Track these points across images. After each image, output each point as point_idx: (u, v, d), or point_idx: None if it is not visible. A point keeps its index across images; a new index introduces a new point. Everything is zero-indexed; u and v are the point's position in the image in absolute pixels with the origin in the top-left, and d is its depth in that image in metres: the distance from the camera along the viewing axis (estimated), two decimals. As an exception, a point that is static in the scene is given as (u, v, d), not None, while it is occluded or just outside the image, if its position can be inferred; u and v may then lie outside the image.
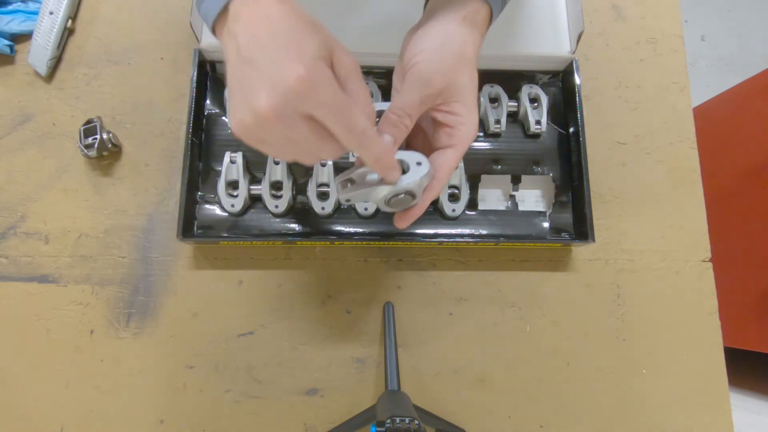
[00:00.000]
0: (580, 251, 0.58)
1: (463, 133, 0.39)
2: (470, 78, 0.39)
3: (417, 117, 0.38)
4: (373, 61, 0.58)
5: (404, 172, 0.38)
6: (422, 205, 0.40)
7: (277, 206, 0.54)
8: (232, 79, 0.32)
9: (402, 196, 0.38)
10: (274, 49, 0.30)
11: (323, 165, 0.55)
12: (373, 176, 0.38)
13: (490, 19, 0.41)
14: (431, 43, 0.38)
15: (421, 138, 0.43)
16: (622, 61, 0.64)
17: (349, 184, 0.39)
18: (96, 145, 0.55)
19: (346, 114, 0.31)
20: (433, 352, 0.55)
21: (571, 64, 0.58)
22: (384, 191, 0.38)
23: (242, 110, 0.31)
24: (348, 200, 0.40)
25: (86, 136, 0.55)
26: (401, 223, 0.41)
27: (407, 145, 0.41)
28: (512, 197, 0.58)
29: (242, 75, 0.31)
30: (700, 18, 1.79)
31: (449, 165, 0.39)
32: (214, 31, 0.36)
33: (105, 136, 0.55)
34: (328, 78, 0.30)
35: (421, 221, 0.56)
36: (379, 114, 0.40)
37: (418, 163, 0.38)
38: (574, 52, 0.58)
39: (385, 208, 0.40)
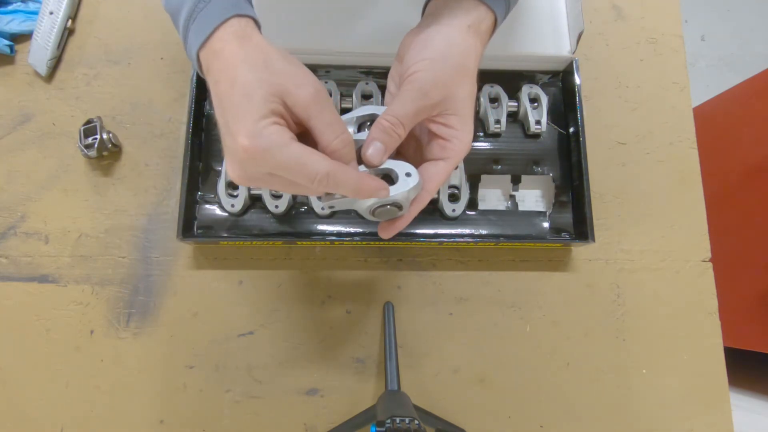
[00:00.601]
0: (580, 251, 0.58)
1: (456, 147, 0.38)
2: (469, 92, 0.38)
3: (411, 127, 0.37)
4: (374, 61, 0.58)
5: (392, 182, 0.37)
6: (408, 217, 0.39)
7: (277, 206, 0.54)
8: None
9: (388, 207, 0.37)
10: (228, 115, 0.32)
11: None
12: None
13: (494, 27, 0.41)
14: (433, 52, 0.37)
15: (414, 146, 0.42)
16: (622, 61, 0.64)
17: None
18: (96, 145, 0.55)
19: (301, 169, 0.31)
20: (433, 352, 0.55)
21: (571, 64, 0.58)
22: (369, 201, 0.37)
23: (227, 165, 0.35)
24: (331, 207, 0.38)
25: (86, 136, 0.55)
26: (385, 233, 0.40)
27: (398, 152, 0.40)
28: (512, 197, 0.58)
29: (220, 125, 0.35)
30: (700, 18, 1.79)
31: (439, 178, 0.39)
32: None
33: (105, 136, 0.55)
34: (274, 139, 0.31)
35: (421, 221, 0.56)
36: (374, 118, 0.39)
37: (407, 174, 0.37)
38: (574, 52, 0.58)
39: (369, 218, 0.38)
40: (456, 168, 0.41)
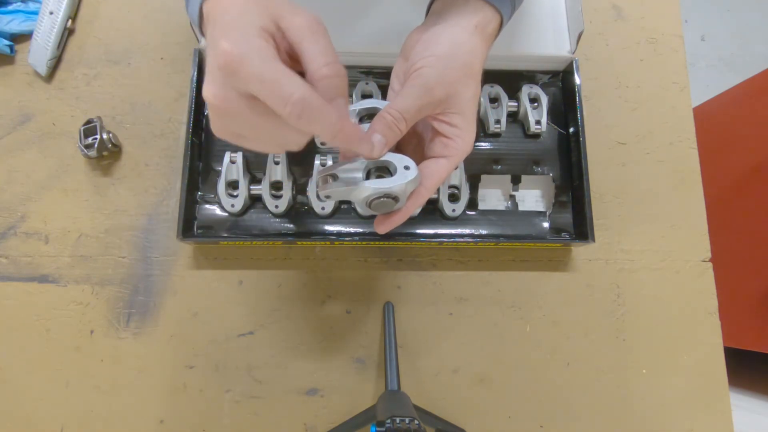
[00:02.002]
0: (580, 251, 0.58)
1: (458, 146, 0.38)
2: (474, 92, 0.38)
3: (413, 123, 0.37)
4: (374, 61, 0.58)
5: (390, 174, 0.37)
6: (405, 212, 0.39)
7: (277, 206, 0.54)
8: None
9: (384, 198, 0.37)
10: (217, 31, 0.30)
11: (323, 165, 0.55)
12: (357, 174, 0.36)
13: (499, 29, 0.40)
14: (439, 49, 0.37)
15: (415, 143, 0.42)
16: (622, 61, 0.64)
17: (330, 180, 0.37)
18: (96, 145, 0.55)
19: (276, 83, 0.28)
20: (433, 352, 0.55)
21: (571, 64, 0.58)
22: (366, 191, 0.36)
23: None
24: (327, 196, 0.38)
25: (86, 136, 0.55)
26: (382, 228, 0.39)
27: (398, 148, 0.40)
28: (512, 197, 0.58)
29: None
30: (700, 18, 1.79)
31: (439, 175, 0.38)
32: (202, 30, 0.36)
33: (105, 136, 0.55)
34: (255, 48, 0.29)
35: (421, 221, 0.56)
36: (375, 111, 0.39)
37: (406, 167, 0.37)
38: (574, 52, 0.58)
39: (365, 211, 0.38)
40: (456, 168, 0.41)
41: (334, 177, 0.37)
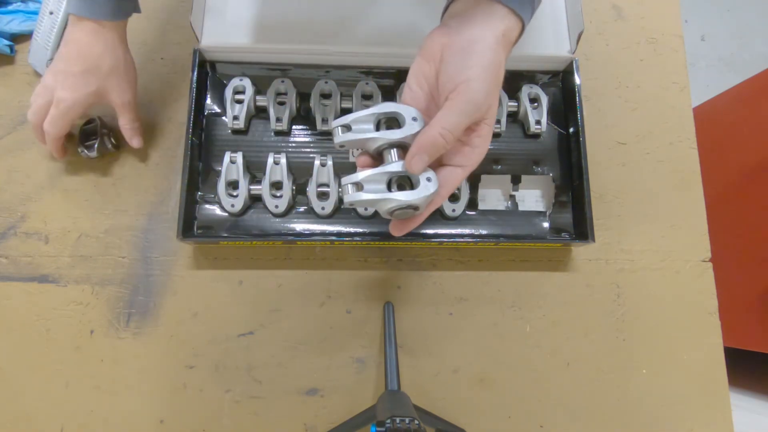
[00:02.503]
0: (580, 251, 0.58)
1: (477, 156, 0.39)
2: (496, 100, 0.39)
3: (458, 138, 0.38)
4: (374, 61, 0.58)
5: (413, 186, 0.39)
6: (421, 217, 0.41)
7: (277, 206, 0.54)
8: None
9: (407, 209, 0.39)
10: (59, 78, 0.51)
11: (323, 165, 0.55)
12: (381, 186, 0.39)
13: (520, 35, 0.40)
14: (481, 61, 0.37)
15: None
16: (622, 61, 0.64)
17: (353, 188, 0.39)
18: (96, 146, 0.55)
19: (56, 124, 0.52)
20: (433, 352, 0.55)
21: (571, 64, 0.58)
22: (392, 204, 0.38)
23: None
24: (351, 204, 0.40)
25: (86, 137, 0.55)
26: (398, 232, 0.41)
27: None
28: (512, 197, 0.58)
29: None
30: (700, 18, 1.79)
31: (455, 184, 0.40)
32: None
33: (105, 136, 0.55)
34: (73, 109, 0.52)
35: (421, 221, 0.56)
36: (396, 115, 0.39)
37: (428, 179, 0.38)
38: (574, 52, 0.58)
39: (386, 216, 0.40)
40: None
41: (359, 186, 0.39)
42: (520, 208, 0.57)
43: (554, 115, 0.60)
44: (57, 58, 0.51)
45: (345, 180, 0.40)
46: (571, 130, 0.58)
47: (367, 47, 0.57)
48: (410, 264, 0.57)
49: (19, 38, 0.61)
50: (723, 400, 0.56)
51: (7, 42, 0.59)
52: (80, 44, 0.49)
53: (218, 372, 0.53)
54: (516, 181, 0.58)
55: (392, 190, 0.39)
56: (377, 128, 0.40)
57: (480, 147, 0.39)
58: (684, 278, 0.58)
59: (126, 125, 0.54)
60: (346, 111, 0.57)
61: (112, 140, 0.56)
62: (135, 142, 0.56)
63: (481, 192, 0.57)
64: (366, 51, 0.57)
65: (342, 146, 0.40)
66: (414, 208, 0.39)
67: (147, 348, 0.54)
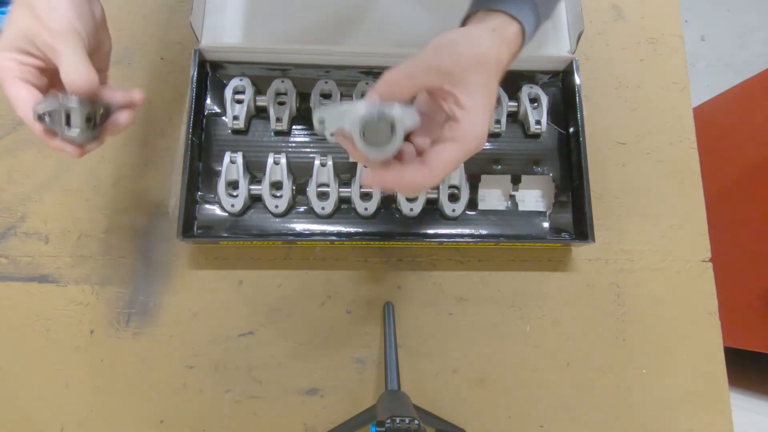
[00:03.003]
0: (580, 251, 0.58)
1: (466, 129, 0.37)
2: (485, 81, 0.37)
3: (417, 85, 0.37)
4: (374, 61, 0.58)
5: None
6: (399, 174, 0.37)
7: (277, 206, 0.54)
8: None
9: (380, 123, 0.35)
10: None
11: (323, 165, 0.55)
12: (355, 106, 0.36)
13: (522, 38, 0.40)
14: (458, 33, 0.38)
15: (422, 132, 0.41)
16: (622, 61, 0.64)
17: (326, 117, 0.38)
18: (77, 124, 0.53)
19: (9, 97, 0.39)
20: (432, 352, 0.55)
21: (571, 64, 0.58)
22: (361, 110, 0.35)
23: None
24: (321, 122, 0.38)
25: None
26: (369, 179, 0.38)
27: (407, 140, 0.39)
28: (512, 197, 0.58)
29: None
30: (700, 18, 1.79)
31: (445, 157, 0.37)
32: None
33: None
34: (5, 69, 0.38)
35: (420, 221, 0.56)
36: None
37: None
38: (574, 52, 0.58)
39: (360, 145, 0.36)
40: (466, 157, 0.40)
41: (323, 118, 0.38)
42: (520, 208, 0.57)
43: (554, 115, 0.60)
44: None
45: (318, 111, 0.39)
46: (571, 130, 0.58)
47: (367, 47, 0.57)
48: (410, 264, 0.57)
49: (19, 38, 0.61)
50: (723, 400, 0.56)
51: (7, 42, 0.59)
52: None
53: (218, 372, 0.53)
54: (516, 181, 0.58)
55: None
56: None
57: (468, 121, 0.37)
58: (684, 278, 0.58)
59: (73, 72, 0.37)
60: (346, 111, 0.57)
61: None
62: (123, 116, 0.42)
63: (481, 192, 0.57)
64: (366, 51, 0.57)
65: (321, 122, 0.38)
66: (388, 123, 0.35)
67: (147, 348, 0.53)
